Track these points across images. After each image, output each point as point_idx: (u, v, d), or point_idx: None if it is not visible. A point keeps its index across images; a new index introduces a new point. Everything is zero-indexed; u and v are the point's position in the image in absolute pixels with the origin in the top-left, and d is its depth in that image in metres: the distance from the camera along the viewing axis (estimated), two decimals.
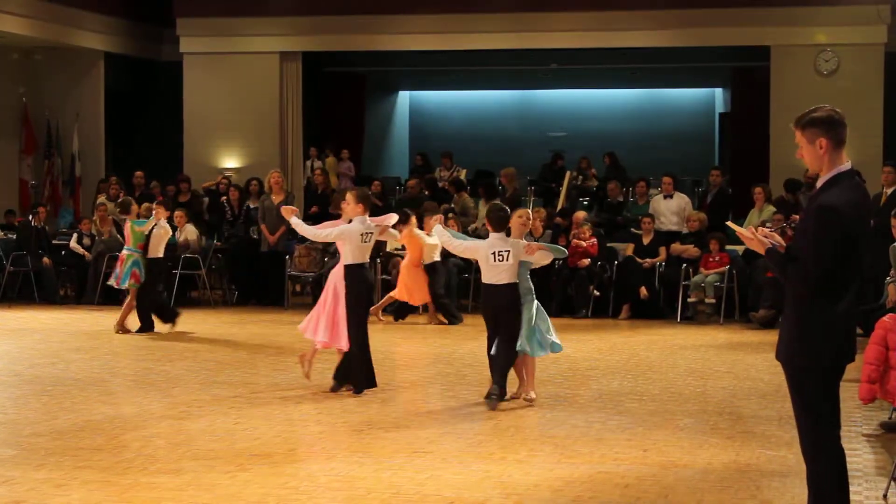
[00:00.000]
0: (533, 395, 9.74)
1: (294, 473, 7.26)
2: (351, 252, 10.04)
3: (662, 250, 16.86)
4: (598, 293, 16.67)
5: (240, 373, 11.33)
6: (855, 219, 5.11)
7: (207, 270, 18.27)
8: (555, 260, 12.30)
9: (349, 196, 10.19)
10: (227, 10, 21.83)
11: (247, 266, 18.25)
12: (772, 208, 16.68)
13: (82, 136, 22.29)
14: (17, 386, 10.58)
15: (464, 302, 17.04)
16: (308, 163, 22.78)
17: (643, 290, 16.43)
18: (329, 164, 22.80)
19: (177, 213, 17.86)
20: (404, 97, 29.36)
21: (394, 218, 10.70)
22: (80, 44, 21.79)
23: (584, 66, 25.12)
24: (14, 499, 6.59)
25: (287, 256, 17.55)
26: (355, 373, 10.07)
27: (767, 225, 14.67)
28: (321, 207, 19.33)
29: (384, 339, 14.08)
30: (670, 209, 17.90)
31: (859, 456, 7.72)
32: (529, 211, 10.37)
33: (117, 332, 14.20)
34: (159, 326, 14.41)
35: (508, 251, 9.60)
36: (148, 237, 14.29)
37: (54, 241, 19.06)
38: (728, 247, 16.31)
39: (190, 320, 15.04)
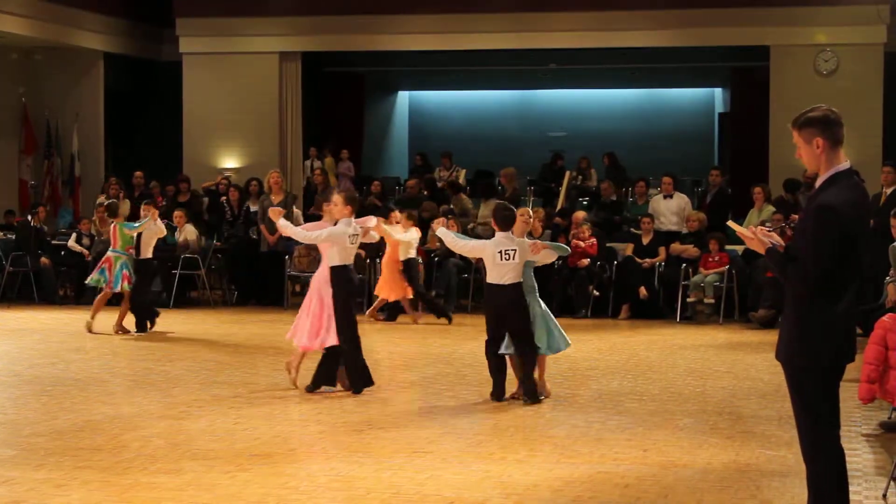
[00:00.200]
0: (548, 388, 9.88)
1: (294, 473, 7.26)
2: (338, 253, 9.99)
3: (662, 250, 16.86)
4: (597, 293, 16.68)
5: (240, 373, 11.34)
6: (854, 218, 5.10)
7: (207, 270, 18.27)
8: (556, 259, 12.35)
9: (337, 198, 10.09)
10: (226, 10, 21.82)
11: (246, 266, 18.24)
12: (771, 208, 16.68)
13: (82, 136, 22.27)
14: (17, 386, 10.58)
15: (464, 302, 17.04)
16: (308, 163, 22.78)
17: (643, 290, 16.44)
18: (329, 165, 22.80)
19: (176, 213, 17.88)
20: (404, 97, 29.34)
21: (373, 220, 10.64)
22: (79, 44, 21.78)
23: (584, 66, 25.12)
24: (14, 499, 6.59)
25: (286, 256, 17.54)
26: (349, 373, 10.07)
27: (767, 225, 14.66)
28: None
29: (384, 339, 14.09)
30: (670, 209, 17.90)
31: (859, 456, 7.72)
32: (529, 210, 10.42)
33: (116, 332, 14.21)
34: (131, 327, 14.32)
35: (515, 250, 9.63)
36: (138, 238, 14.26)
37: (54, 242, 19.04)
38: (728, 247, 16.31)
39: (190, 320, 15.04)
